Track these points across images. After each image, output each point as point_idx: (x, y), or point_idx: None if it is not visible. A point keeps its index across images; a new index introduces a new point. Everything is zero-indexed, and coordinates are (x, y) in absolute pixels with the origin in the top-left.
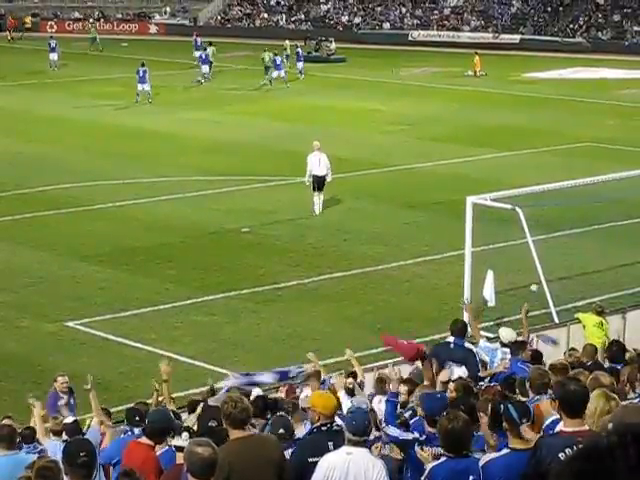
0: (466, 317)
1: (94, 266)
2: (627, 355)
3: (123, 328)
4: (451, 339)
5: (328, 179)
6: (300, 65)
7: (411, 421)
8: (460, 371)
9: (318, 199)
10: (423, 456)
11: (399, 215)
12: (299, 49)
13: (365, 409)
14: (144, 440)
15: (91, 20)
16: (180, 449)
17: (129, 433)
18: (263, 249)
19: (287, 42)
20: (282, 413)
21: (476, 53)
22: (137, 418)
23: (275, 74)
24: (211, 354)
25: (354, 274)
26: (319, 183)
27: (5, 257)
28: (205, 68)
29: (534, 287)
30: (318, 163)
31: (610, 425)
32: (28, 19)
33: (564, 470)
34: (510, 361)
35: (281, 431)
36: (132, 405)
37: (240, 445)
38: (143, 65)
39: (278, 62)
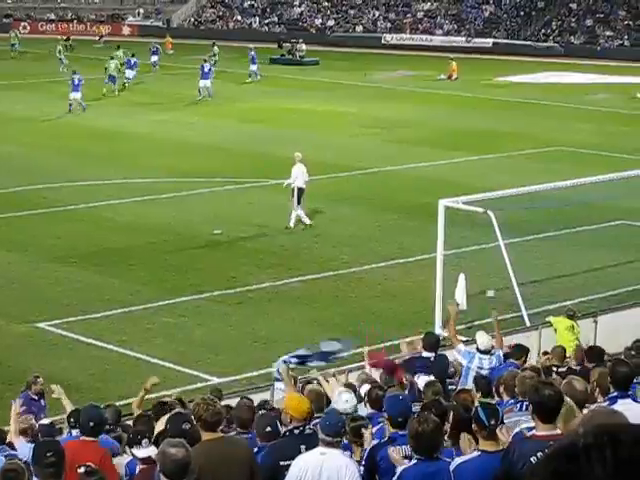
0: (450, 317)
1: (66, 267)
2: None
3: (94, 329)
4: (430, 354)
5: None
6: (254, 67)
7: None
8: (427, 379)
9: (300, 211)
10: (394, 457)
11: (371, 218)
12: (252, 52)
13: (339, 410)
14: (84, 438)
15: (14, 26)
16: (143, 460)
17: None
18: (235, 251)
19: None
20: (266, 411)
21: (451, 59)
22: (72, 420)
23: (202, 83)
24: (182, 356)
25: (326, 276)
26: (300, 196)
27: None
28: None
29: (491, 292)
30: (302, 175)
31: (580, 429)
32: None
33: (539, 470)
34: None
35: (267, 429)
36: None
37: (210, 447)
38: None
39: (206, 70)
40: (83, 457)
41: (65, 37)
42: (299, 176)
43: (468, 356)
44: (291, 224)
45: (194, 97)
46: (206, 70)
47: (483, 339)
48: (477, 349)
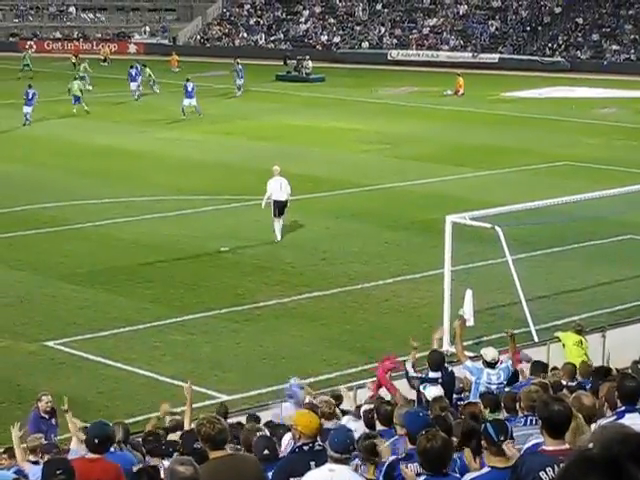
0: (456, 334)
1: (73, 286)
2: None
3: (102, 348)
4: (437, 374)
5: (288, 204)
6: (239, 82)
7: (390, 440)
8: (436, 390)
9: (278, 224)
10: (407, 474)
11: (378, 234)
12: (239, 66)
13: (348, 427)
14: (90, 455)
15: (27, 46)
16: None
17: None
18: (242, 268)
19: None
20: (266, 434)
21: (459, 75)
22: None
23: (187, 102)
24: (190, 374)
25: (333, 293)
26: (280, 208)
27: None
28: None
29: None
30: (279, 188)
31: (591, 445)
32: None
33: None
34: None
35: (265, 452)
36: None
37: (218, 465)
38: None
39: (190, 89)
40: (92, 475)
41: (74, 54)
42: (276, 189)
43: (477, 372)
44: (278, 237)
45: (199, 115)
46: (189, 89)
47: (489, 351)
48: (484, 362)
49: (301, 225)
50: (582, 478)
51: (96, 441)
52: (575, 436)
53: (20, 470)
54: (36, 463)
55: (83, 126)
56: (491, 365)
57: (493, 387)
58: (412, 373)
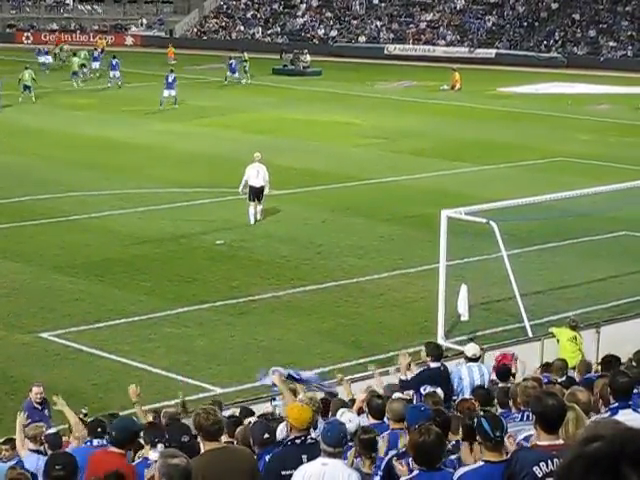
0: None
1: (68, 277)
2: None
3: (97, 339)
4: (436, 364)
5: (266, 191)
6: (234, 75)
7: (384, 434)
8: (433, 390)
9: (254, 209)
10: (400, 469)
11: (374, 228)
12: (232, 60)
13: (341, 421)
14: (113, 449)
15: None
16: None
17: (88, 444)
18: (237, 261)
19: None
20: (262, 418)
21: (454, 70)
22: (99, 430)
23: (167, 93)
24: (185, 366)
25: (328, 287)
26: (256, 194)
27: None
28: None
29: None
30: (256, 174)
31: (609, 436)
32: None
33: (574, 477)
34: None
35: (266, 436)
36: (95, 417)
37: (212, 457)
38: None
39: (170, 80)
40: (103, 468)
41: (56, 44)
42: (252, 175)
43: (456, 370)
44: (259, 217)
45: (199, 108)
46: (170, 80)
47: (470, 347)
48: (465, 358)
49: (297, 218)
50: (583, 476)
51: (120, 435)
52: (577, 427)
53: (20, 461)
54: (37, 452)
55: (77, 118)
56: (472, 360)
57: (477, 381)
58: (404, 378)
